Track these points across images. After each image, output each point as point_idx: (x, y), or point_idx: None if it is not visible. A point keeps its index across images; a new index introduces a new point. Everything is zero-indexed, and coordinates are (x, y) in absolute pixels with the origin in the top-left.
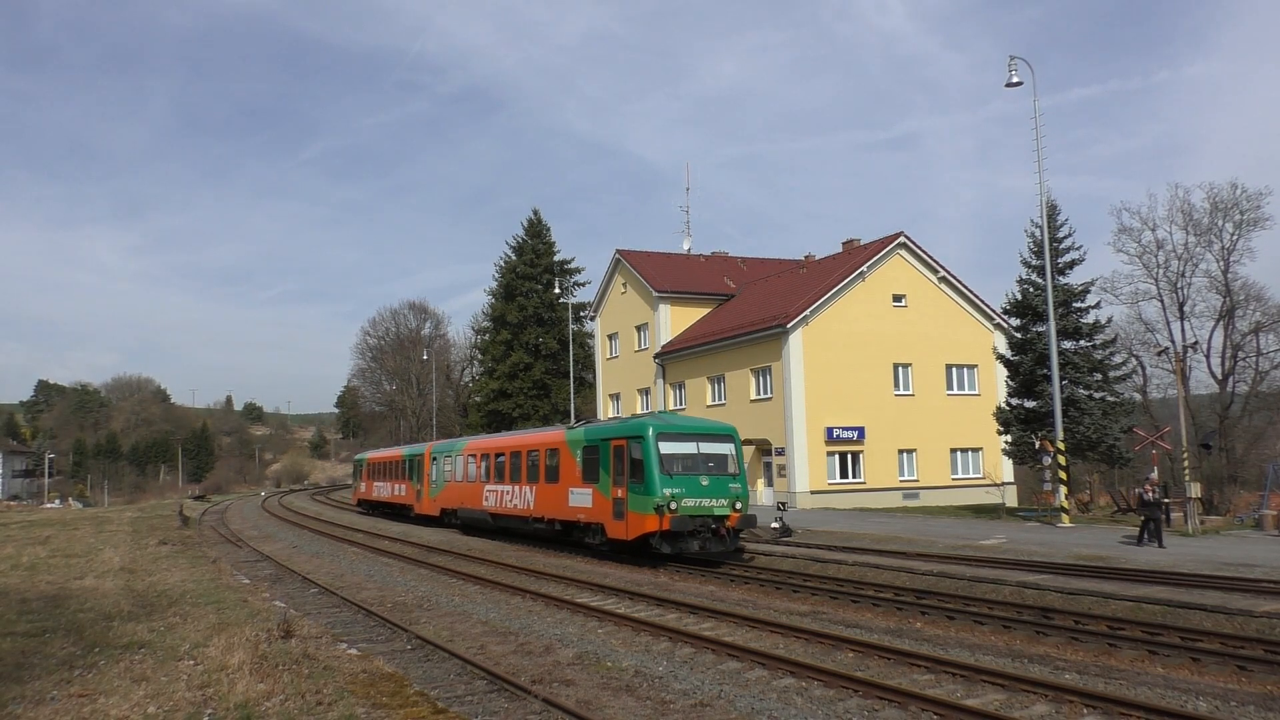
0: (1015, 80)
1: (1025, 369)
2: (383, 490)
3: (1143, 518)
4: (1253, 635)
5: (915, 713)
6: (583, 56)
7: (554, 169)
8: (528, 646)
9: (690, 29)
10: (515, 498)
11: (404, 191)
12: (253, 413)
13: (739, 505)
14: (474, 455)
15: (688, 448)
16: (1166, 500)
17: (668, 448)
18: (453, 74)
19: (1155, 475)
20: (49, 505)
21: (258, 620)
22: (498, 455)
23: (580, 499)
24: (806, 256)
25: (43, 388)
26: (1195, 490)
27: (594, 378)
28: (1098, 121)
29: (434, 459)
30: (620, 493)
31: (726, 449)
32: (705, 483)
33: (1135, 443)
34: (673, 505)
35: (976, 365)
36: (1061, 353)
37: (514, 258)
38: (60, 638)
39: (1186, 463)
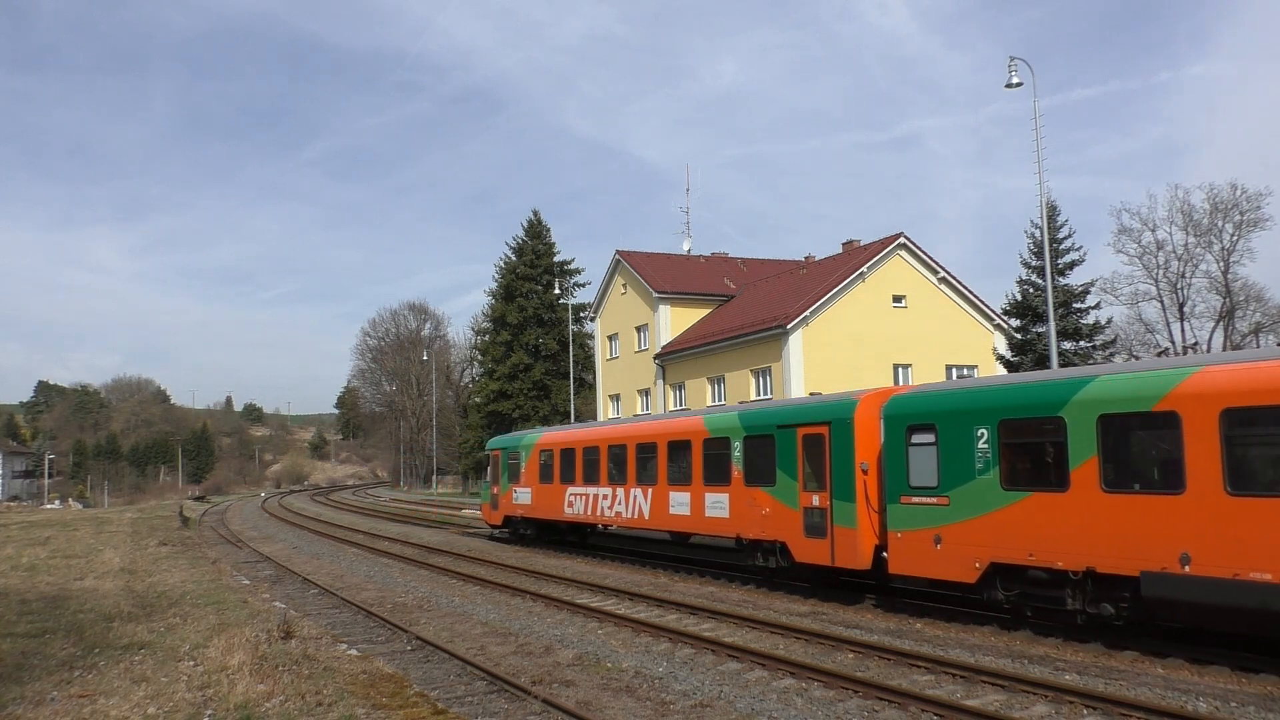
0: (1015, 81)
1: (1025, 370)
2: (606, 503)
3: None
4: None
5: (915, 713)
6: (583, 57)
7: (554, 169)
8: (528, 647)
9: (690, 29)
10: None
11: (405, 192)
12: (253, 413)
13: None
14: None
15: None
16: None
17: None
18: (453, 75)
19: None
20: (49, 506)
21: (258, 621)
22: None
23: None
24: (807, 257)
25: (43, 388)
26: None
27: (594, 378)
28: (1098, 122)
29: (903, 434)
30: None
31: None
32: None
33: None
34: None
35: (976, 366)
36: (1061, 354)
37: (514, 259)
38: (60, 638)
39: None
